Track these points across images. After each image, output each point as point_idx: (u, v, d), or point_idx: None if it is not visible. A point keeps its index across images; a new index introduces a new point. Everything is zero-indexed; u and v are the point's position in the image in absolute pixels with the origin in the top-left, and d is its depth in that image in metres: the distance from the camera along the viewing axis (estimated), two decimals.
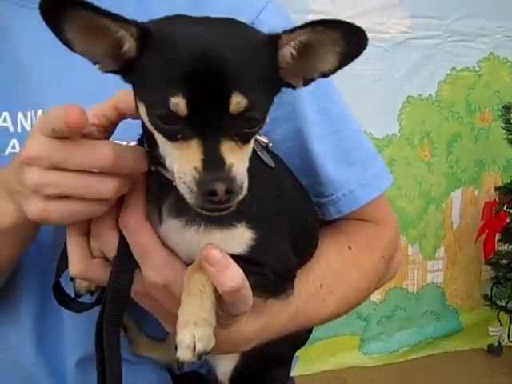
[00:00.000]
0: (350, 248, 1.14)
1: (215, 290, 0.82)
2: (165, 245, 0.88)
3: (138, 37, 0.75)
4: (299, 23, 0.78)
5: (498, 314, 3.56)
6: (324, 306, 1.08)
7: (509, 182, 3.50)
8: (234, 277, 0.82)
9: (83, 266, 0.91)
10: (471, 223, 3.68)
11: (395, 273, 1.27)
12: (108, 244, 0.89)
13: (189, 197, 0.74)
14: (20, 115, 1.08)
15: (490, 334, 3.68)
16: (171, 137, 0.75)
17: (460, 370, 3.51)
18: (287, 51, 0.80)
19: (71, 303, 0.99)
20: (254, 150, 0.85)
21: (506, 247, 3.52)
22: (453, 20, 3.48)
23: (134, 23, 0.75)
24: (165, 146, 0.77)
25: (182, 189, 0.74)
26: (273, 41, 0.79)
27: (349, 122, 1.18)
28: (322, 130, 1.11)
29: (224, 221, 0.85)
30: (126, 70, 0.78)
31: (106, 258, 0.91)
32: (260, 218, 0.88)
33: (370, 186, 1.14)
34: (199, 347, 0.79)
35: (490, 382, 3.45)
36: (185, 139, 0.74)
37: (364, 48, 0.79)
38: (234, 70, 0.73)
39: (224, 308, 0.85)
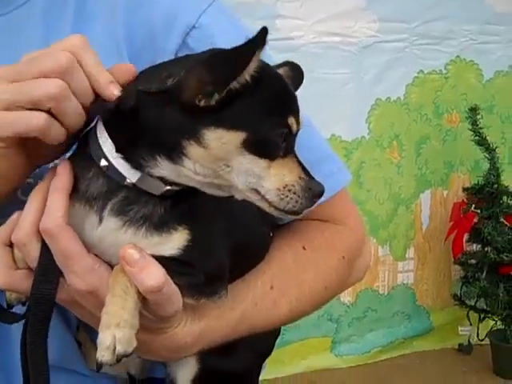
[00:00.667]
0: (304, 248, 1.12)
1: (139, 292, 0.82)
2: (98, 248, 0.87)
3: (257, 70, 0.83)
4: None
5: (468, 314, 3.60)
6: (275, 309, 1.07)
7: (476, 182, 3.55)
8: (155, 276, 0.82)
9: (8, 277, 0.89)
10: (440, 224, 3.73)
11: (363, 275, 1.25)
12: (30, 253, 0.87)
13: (293, 205, 0.83)
14: None
15: (460, 333, 3.71)
16: (274, 155, 0.83)
17: (431, 370, 3.55)
18: None
19: (4, 315, 0.98)
20: None
21: (474, 247, 3.57)
22: (420, 23, 3.53)
23: None
24: (252, 166, 0.83)
25: (283, 201, 0.83)
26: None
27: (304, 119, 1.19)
28: None
29: (164, 224, 0.86)
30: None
31: (30, 270, 0.89)
32: (199, 223, 0.89)
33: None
34: (119, 349, 0.79)
35: (460, 380, 3.49)
36: (282, 156, 0.84)
37: (302, 79, 0.94)
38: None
39: (151, 310, 0.84)
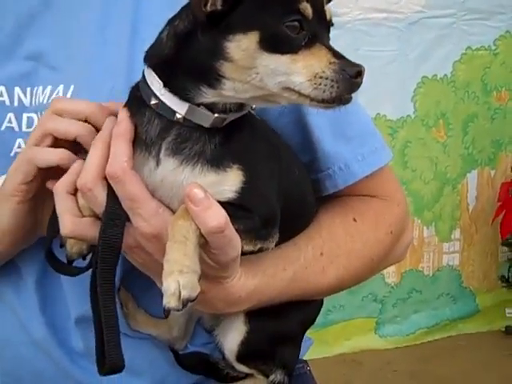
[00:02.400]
0: (354, 220, 1.14)
1: (200, 236, 0.83)
2: (158, 192, 0.90)
3: None
4: None
5: None
6: (324, 275, 1.08)
7: None
8: (217, 216, 0.83)
9: (74, 225, 0.92)
10: (487, 204, 3.66)
11: (405, 253, 1.26)
12: (96, 198, 0.90)
13: (330, 91, 0.81)
14: (17, 89, 1.10)
15: (507, 315, 3.67)
16: (295, 47, 0.82)
17: (477, 352, 3.51)
18: None
19: (65, 268, 1.01)
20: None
21: None
22: None
23: None
24: (277, 65, 0.83)
25: (319, 90, 0.81)
26: None
27: None
28: None
29: (218, 161, 0.88)
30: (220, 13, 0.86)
31: (95, 216, 0.92)
32: (252, 163, 0.91)
33: (367, 161, 1.14)
34: (184, 294, 0.80)
35: (507, 363, 3.44)
36: (307, 46, 0.82)
37: None
38: None
39: (212, 254, 0.86)
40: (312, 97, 0.81)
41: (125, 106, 0.93)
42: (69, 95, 1.09)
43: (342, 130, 1.14)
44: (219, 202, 0.85)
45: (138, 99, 0.92)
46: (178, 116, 0.89)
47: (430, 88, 3.44)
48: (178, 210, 0.86)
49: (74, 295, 1.09)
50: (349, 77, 0.80)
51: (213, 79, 0.87)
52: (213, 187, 0.87)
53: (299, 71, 0.82)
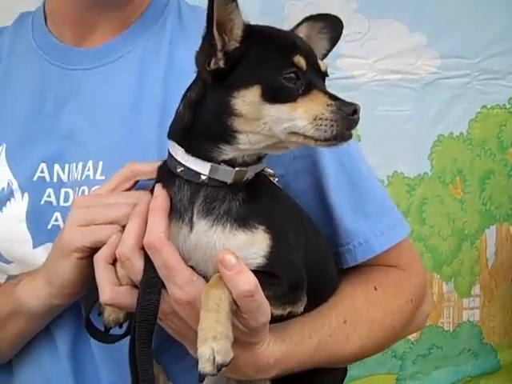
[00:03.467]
0: (375, 289, 1.20)
1: (232, 302, 0.89)
2: (193, 256, 0.97)
3: (244, 26, 0.97)
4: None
5: None
6: (348, 343, 1.13)
7: None
8: (248, 281, 0.89)
9: (113, 293, 0.99)
10: (507, 260, 3.65)
11: (424, 322, 1.31)
12: (134, 267, 0.97)
13: (330, 130, 0.90)
14: (57, 166, 1.19)
15: None
16: (293, 95, 0.92)
17: None
18: None
19: (103, 336, 1.06)
20: (266, 175, 1.06)
21: None
22: (482, 59, 3.50)
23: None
24: (280, 113, 0.91)
25: (320, 130, 0.90)
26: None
27: (366, 174, 1.27)
28: (340, 183, 1.21)
29: (246, 222, 0.96)
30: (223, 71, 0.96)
31: (132, 285, 1.00)
32: (277, 226, 0.99)
33: (385, 236, 1.21)
34: (218, 359, 0.86)
35: None
36: (304, 94, 0.92)
37: (342, 30, 1.06)
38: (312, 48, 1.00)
39: (242, 319, 0.92)
40: (315, 137, 0.90)
41: (157, 181, 1.02)
42: (99, 171, 1.17)
43: (361, 207, 1.21)
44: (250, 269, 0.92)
45: (166, 172, 1.02)
46: (203, 177, 0.97)
47: (447, 146, 3.49)
48: (211, 279, 0.93)
49: (106, 364, 1.15)
50: (346, 115, 0.89)
51: (228, 136, 0.95)
52: (243, 249, 0.94)
53: (301, 116, 0.91)
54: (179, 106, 1.02)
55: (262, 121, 0.92)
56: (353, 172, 1.23)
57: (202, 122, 0.97)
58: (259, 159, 1.01)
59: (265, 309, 0.92)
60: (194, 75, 1.08)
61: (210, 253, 0.95)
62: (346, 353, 1.15)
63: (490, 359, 3.69)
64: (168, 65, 1.23)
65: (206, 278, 0.96)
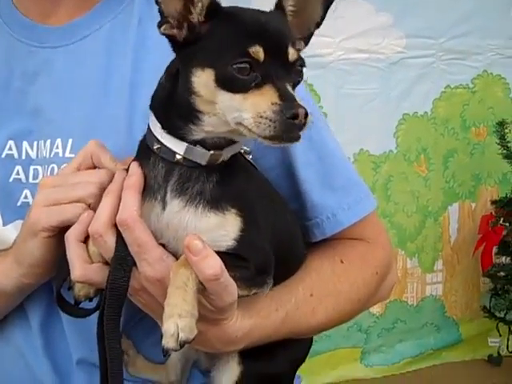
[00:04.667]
0: (341, 262, 1.21)
1: (199, 283, 0.90)
2: (165, 235, 0.98)
3: (209, 2, 0.92)
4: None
5: (497, 325, 3.61)
6: (314, 315, 1.15)
7: (504, 195, 3.57)
8: (213, 265, 0.90)
9: (83, 270, 0.99)
10: (469, 236, 3.75)
11: (389, 293, 1.33)
12: (106, 244, 0.98)
13: (269, 130, 0.86)
14: (25, 144, 1.18)
15: (490, 344, 3.72)
16: (245, 87, 0.87)
17: (461, 381, 3.58)
18: (287, 14, 0.97)
19: (73, 310, 1.08)
20: (242, 153, 1.04)
21: (503, 259, 3.59)
22: (447, 39, 3.58)
23: None
24: (232, 102, 0.89)
25: (260, 128, 0.87)
26: (280, 8, 0.98)
27: (334, 150, 1.27)
28: (308, 158, 1.21)
29: (219, 204, 0.96)
30: (183, 41, 0.94)
31: (103, 263, 1.00)
32: (248, 208, 0.98)
33: (352, 210, 1.22)
34: (182, 336, 0.87)
35: None
36: (257, 86, 0.87)
37: None
38: (286, 34, 0.93)
39: (209, 300, 0.93)
40: (257, 133, 0.88)
41: (135, 158, 1.02)
42: (68, 149, 1.17)
43: (328, 182, 1.22)
44: (219, 252, 0.93)
45: (144, 148, 1.01)
46: (178, 157, 0.96)
47: (411, 124, 3.56)
48: (180, 258, 0.94)
49: (76, 338, 1.16)
50: (286, 118, 0.85)
51: (193, 116, 0.94)
52: (214, 231, 0.95)
53: (247, 108, 0.88)
54: (162, 77, 1.01)
55: (217, 105, 0.91)
56: (320, 147, 1.23)
57: (175, 97, 0.96)
58: (232, 142, 0.99)
59: (231, 290, 0.93)
60: (164, 52, 1.07)
61: (182, 233, 0.95)
62: (312, 324, 1.16)
63: (452, 332, 3.80)
64: (137, 42, 1.21)
65: (177, 256, 0.97)
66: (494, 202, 3.61)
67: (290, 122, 0.86)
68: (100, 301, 1.03)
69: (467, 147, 3.72)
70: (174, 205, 0.96)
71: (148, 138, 1.00)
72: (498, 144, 3.49)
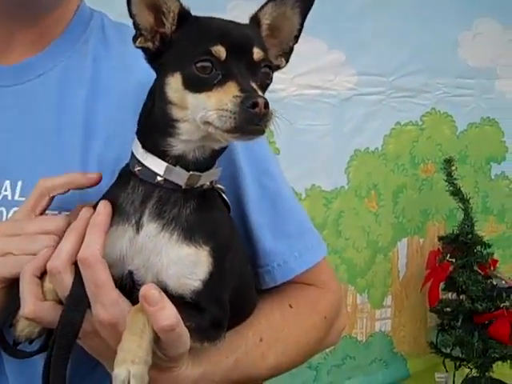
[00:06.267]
0: (290, 306, 1.23)
1: (154, 331, 0.89)
2: (137, 260, 0.96)
3: (179, 11, 0.95)
4: None
5: (444, 361, 3.65)
6: (263, 360, 1.15)
7: (451, 231, 3.63)
8: (169, 316, 0.89)
9: (36, 307, 0.96)
10: (417, 272, 3.80)
11: (339, 337, 1.35)
12: (63, 281, 0.96)
13: (230, 122, 0.87)
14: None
15: (437, 379, 3.76)
16: (208, 85, 0.90)
17: None
18: (264, 29, 1.01)
19: (11, 350, 1.03)
20: (218, 191, 1.05)
21: (449, 295, 3.64)
22: (397, 77, 3.65)
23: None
24: (198, 101, 0.91)
25: (222, 121, 0.88)
26: (256, 22, 1.01)
27: (287, 196, 1.30)
28: (262, 205, 1.23)
29: (193, 236, 0.96)
30: (157, 52, 0.96)
31: (57, 302, 0.98)
32: (220, 250, 0.99)
33: (303, 257, 1.25)
34: (132, 383, 0.85)
35: None
36: (220, 84, 0.90)
37: (313, 1, 1.01)
38: (252, 36, 0.97)
39: (162, 349, 0.92)
40: (220, 127, 0.89)
41: (111, 188, 1.02)
42: (18, 191, 1.13)
43: (281, 229, 1.23)
44: (177, 300, 0.92)
45: (125, 173, 1.01)
46: (159, 178, 0.97)
47: (362, 160, 3.60)
48: (139, 303, 0.92)
49: (16, 380, 1.11)
50: (246, 108, 0.87)
51: (170, 127, 0.95)
52: (185, 264, 0.94)
53: (211, 105, 0.90)
54: (146, 98, 1.02)
55: (188, 109, 0.93)
56: (274, 194, 1.25)
57: (154, 111, 0.98)
58: (212, 159, 1.00)
59: (185, 340, 0.93)
60: (118, 92, 1.06)
61: (153, 259, 0.95)
62: (261, 370, 1.17)
63: (400, 368, 3.82)
64: (91, 83, 1.20)
65: (132, 303, 0.95)
66: (441, 238, 3.67)
67: (251, 112, 0.87)
68: (43, 343, 1.01)
69: (416, 183, 3.79)
70: (151, 228, 0.95)
71: (130, 161, 1.00)
72: (446, 181, 3.56)
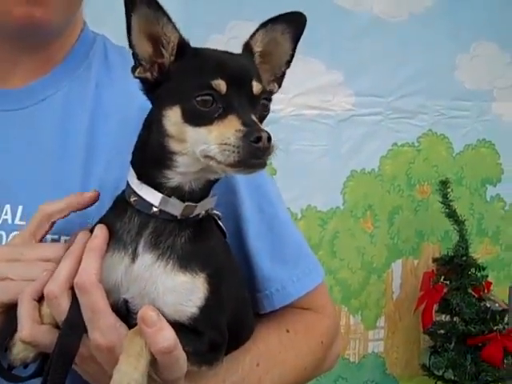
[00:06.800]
0: (287, 331, 1.23)
1: (152, 355, 0.89)
2: (132, 289, 0.96)
3: (179, 42, 0.95)
4: None
5: (436, 383, 3.64)
6: None
7: (446, 253, 3.63)
8: (168, 338, 0.89)
9: (33, 330, 0.96)
10: (411, 293, 3.79)
11: (335, 362, 1.35)
12: (60, 306, 0.95)
13: (233, 156, 0.87)
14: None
15: None
16: (209, 119, 0.89)
17: None
18: (256, 57, 1.01)
19: (5, 373, 1.03)
20: (214, 217, 1.05)
21: (443, 317, 3.63)
22: (395, 98, 3.66)
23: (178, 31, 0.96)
24: (198, 135, 0.90)
25: (225, 155, 0.87)
26: (248, 50, 1.01)
27: (284, 221, 1.31)
28: (260, 230, 1.23)
29: (188, 264, 0.95)
30: (155, 83, 0.96)
31: (54, 325, 0.97)
32: (217, 277, 0.98)
33: (301, 282, 1.25)
34: None
35: None
36: (221, 118, 0.90)
37: (305, 23, 1.01)
38: (249, 68, 0.97)
39: (159, 372, 0.91)
40: (222, 162, 0.89)
41: (106, 214, 1.02)
42: (18, 215, 1.13)
43: (279, 254, 1.23)
44: (175, 323, 0.92)
45: (121, 201, 1.01)
46: (155, 209, 0.96)
47: (359, 181, 3.60)
48: (137, 326, 0.92)
49: None
50: (249, 142, 0.86)
51: (167, 159, 0.95)
52: (181, 292, 0.94)
53: (212, 139, 0.89)
54: (141, 128, 1.01)
55: (187, 143, 0.92)
56: (272, 219, 1.25)
57: (150, 143, 0.97)
58: (208, 189, 1.00)
59: (182, 364, 0.92)
60: (120, 118, 1.06)
61: (149, 288, 0.94)
62: None
63: None
64: (93, 108, 1.21)
65: (129, 326, 0.95)
66: (435, 260, 3.67)
67: (254, 146, 0.87)
68: (38, 368, 1.00)
69: (412, 204, 3.79)
70: (147, 258, 0.95)
71: (126, 191, 1.00)
72: (441, 202, 3.56)
